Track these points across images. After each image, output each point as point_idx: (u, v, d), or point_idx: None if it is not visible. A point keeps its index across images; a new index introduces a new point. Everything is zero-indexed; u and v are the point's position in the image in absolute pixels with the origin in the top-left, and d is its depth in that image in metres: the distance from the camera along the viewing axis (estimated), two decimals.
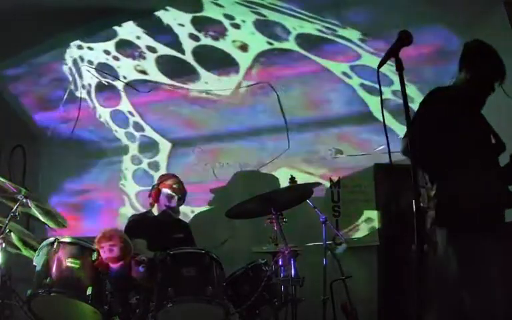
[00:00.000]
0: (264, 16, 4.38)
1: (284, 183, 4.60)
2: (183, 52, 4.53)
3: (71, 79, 4.51)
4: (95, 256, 2.80)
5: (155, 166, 4.73)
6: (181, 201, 3.92)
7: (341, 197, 4.74)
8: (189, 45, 4.50)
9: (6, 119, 4.40)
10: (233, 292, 3.13)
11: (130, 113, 4.70)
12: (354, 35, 4.51)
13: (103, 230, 2.81)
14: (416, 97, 4.22)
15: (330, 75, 4.67)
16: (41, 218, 3.22)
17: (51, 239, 2.85)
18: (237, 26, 4.45)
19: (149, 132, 4.75)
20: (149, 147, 4.75)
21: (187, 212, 4.57)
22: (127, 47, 4.48)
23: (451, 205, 2.34)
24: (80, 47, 4.43)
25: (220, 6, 4.30)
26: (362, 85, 4.70)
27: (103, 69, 4.56)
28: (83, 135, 4.53)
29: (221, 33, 4.47)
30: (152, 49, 4.50)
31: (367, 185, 4.74)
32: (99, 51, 4.47)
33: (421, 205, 1.89)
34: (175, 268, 2.86)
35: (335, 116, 4.67)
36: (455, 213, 2.32)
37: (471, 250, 2.28)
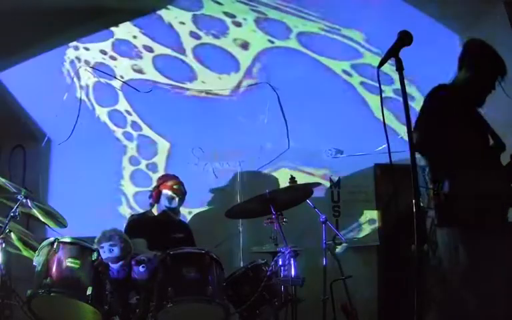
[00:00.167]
0: (264, 14, 4.37)
1: (284, 183, 4.60)
2: (183, 51, 4.52)
3: (69, 79, 4.50)
4: (95, 256, 2.80)
5: (153, 167, 4.73)
6: (181, 201, 3.92)
7: (341, 197, 4.74)
8: (189, 43, 4.49)
9: (6, 119, 4.40)
10: (233, 292, 3.13)
11: (127, 112, 4.69)
12: (357, 35, 4.50)
13: (103, 230, 2.81)
14: (417, 97, 4.22)
15: (331, 73, 4.66)
16: (41, 218, 3.23)
17: (51, 239, 2.85)
18: (238, 24, 4.43)
19: (147, 131, 4.74)
20: (147, 146, 4.75)
21: (187, 212, 4.57)
22: (124, 47, 4.47)
23: (453, 204, 2.33)
24: (76, 48, 4.43)
25: (219, 4, 4.28)
26: (362, 84, 4.70)
27: (100, 68, 4.55)
28: (83, 135, 4.52)
29: (222, 31, 4.45)
30: (150, 49, 4.49)
31: (367, 185, 4.75)
32: (95, 51, 4.46)
33: (421, 204, 1.89)
34: (175, 268, 2.86)
35: (335, 116, 4.67)
36: (457, 212, 2.31)
37: (473, 250, 2.28)
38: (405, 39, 1.84)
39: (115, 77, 4.54)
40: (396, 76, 1.85)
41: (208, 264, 2.91)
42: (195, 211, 4.62)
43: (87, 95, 4.62)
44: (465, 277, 2.29)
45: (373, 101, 4.68)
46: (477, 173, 2.34)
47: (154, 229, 3.60)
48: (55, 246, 2.79)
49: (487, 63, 2.54)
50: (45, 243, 2.87)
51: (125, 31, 4.36)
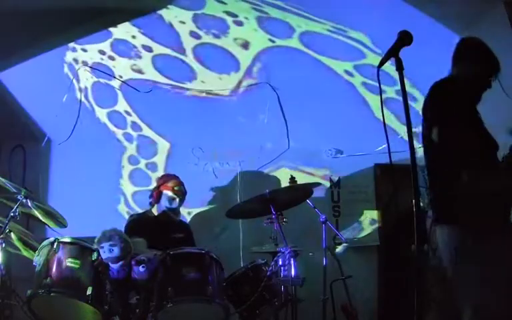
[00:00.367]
0: (267, 13, 4.35)
1: (284, 183, 4.60)
2: (183, 51, 4.52)
3: (69, 79, 4.50)
4: (95, 256, 2.80)
5: (152, 166, 4.73)
6: (182, 202, 3.92)
7: (341, 197, 4.75)
8: (189, 43, 4.48)
9: (6, 119, 4.40)
10: (233, 292, 3.13)
11: (127, 112, 4.69)
12: (364, 37, 4.48)
13: (103, 230, 2.81)
14: (420, 98, 4.22)
15: (332, 73, 4.65)
16: (41, 218, 3.23)
17: (51, 239, 2.85)
18: (239, 23, 4.42)
19: (147, 132, 4.74)
20: (147, 147, 4.75)
21: (186, 213, 4.57)
22: (122, 46, 4.47)
23: (453, 204, 2.33)
24: (74, 50, 4.42)
25: (222, 3, 4.27)
26: (364, 84, 4.69)
27: (99, 69, 4.55)
28: (83, 135, 4.52)
29: (222, 30, 4.44)
30: (149, 48, 4.48)
31: (366, 185, 4.75)
32: (93, 52, 4.46)
33: (421, 204, 1.88)
34: (175, 268, 2.86)
35: (335, 115, 4.67)
36: (458, 211, 2.31)
37: (473, 250, 2.27)
38: (404, 38, 1.84)
39: (114, 77, 4.54)
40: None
41: (208, 264, 2.91)
42: (195, 210, 4.62)
43: (86, 96, 4.61)
44: (464, 277, 2.28)
45: (374, 101, 4.68)
46: (478, 172, 2.34)
47: (154, 229, 3.60)
48: (54, 246, 2.79)
49: (484, 59, 2.54)
50: (45, 242, 2.87)
51: (123, 30, 4.35)
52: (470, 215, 2.27)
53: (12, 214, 2.97)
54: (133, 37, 4.41)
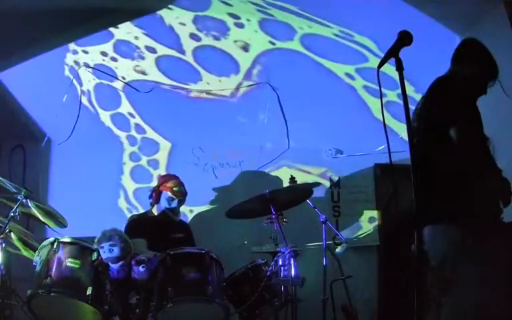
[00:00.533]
0: (272, 16, 4.33)
1: (284, 182, 4.60)
2: (183, 53, 4.51)
3: (70, 79, 4.50)
4: (95, 256, 2.80)
5: (154, 164, 4.74)
6: (182, 202, 3.92)
7: (341, 197, 4.74)
8: (189, 45, 4.48)
9: (6, 119, 4.40)
10: (233, 292, 3.13)
11: (130, 114, 4.69)
12: (370, 43, 4.47)
13: (103, 230, 2.81)
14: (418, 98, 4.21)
15: (333, 76, 4.63)
16: (41, 218, 3.23)
17: (51, 239, 2.85)
18: (240, 25, 4.41)
19: (150, 132, 4.74)
20: (149, 147, 4.75)
21: (187, 212, 4.57)
22: (125, 48, 4.46)
23: (450, 204, 2.33)
24: (75, 52, 4.41)
25: (228, 4, 4.25)
26: (365, 87, 4.68)
27: (101, 70, 4.54)
28: (83, 135, 4.52)
29: (222, 32, 4.44)
30: (151, 49, 4.48)
31: (366, 185, 4.75)
32: (95, 53, 4.45)
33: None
34: (175, 268, 2.86)
35: (335, 116, 4.66)
36: (454, 211, 2.31)
37: (471, 249, 2.27)
38: (404, 38, 1.84)
39: (117, 78, 4.53)
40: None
41: (208, 264, 2.91)
42: (195, 210, 4.62)
43: (89, 99, 4.61)
44: (463, 277, 2.28)
45: (375, 103, 4.66)
46: (476, 172, 2.34)
47: (154, 229, 3.60)
48: (55, 246, 2.79)
49: (483, 61, 2.54)
50: (45, 242, 2.88)
51: (125, 31, 4.35)
52: (466, 214, 2.27)
53: (12, 214, 2.97)
54: (136, 37, 4.40)
